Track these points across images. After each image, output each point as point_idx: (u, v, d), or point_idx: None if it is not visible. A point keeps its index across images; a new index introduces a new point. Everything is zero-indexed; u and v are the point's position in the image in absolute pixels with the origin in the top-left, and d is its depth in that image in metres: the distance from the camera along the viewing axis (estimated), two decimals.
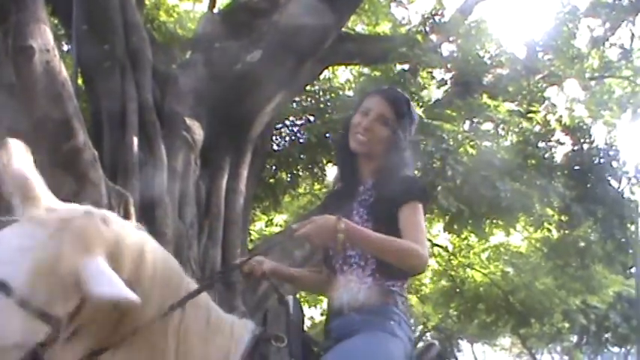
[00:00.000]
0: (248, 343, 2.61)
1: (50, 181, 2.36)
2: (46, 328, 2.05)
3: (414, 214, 2.80)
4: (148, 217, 6.55)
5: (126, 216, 5.71)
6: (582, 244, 10.86)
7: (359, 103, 3.10)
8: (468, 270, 15.80)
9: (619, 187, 10.49)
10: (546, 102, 10.49)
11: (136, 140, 7.05)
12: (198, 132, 7.63)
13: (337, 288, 2.95)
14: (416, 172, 3.23)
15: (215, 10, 9.98)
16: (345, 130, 3.07)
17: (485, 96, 9.71)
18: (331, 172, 10.75)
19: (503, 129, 9.84)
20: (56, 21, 8.23)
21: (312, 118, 10.55)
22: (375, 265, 2.84)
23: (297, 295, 3.46)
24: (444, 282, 16.56)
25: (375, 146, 2.98)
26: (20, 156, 2.29)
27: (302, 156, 10.32)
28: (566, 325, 16.88)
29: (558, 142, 10.34)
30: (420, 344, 3.02)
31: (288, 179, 10.81)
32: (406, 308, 2.88)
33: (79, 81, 7.44)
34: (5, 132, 5.33)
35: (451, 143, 8.55)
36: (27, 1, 5.42)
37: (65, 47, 9.22)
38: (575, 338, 20.86)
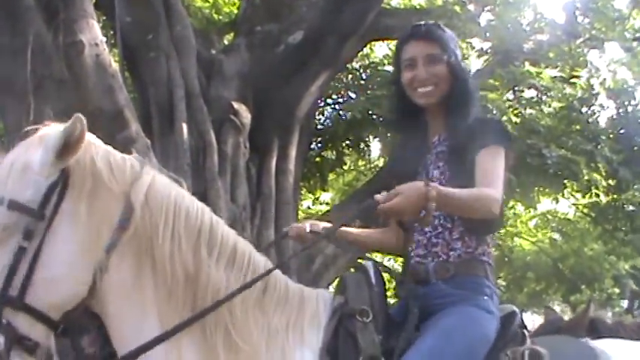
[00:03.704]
0: (329, 320, 2.47)
1: None
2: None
3: (492, 159, 2.62)
4: (201, 201, 6.64)
5: None
6: (631, 207, 10.77)
7: (396, 60, 2.93)
8: (515, 239, 15.74)
9: None
10: (589, 66, 10.37)
11: (185, 126, 7.16)
12: (245, 115, 7.72)
13: (418, 250, 2.77)
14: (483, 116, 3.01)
15: None
16: (400, 93, 2.88)
17: (526, 63, 9.64)
18: (376, 147, 10.79)
19: (546, 95, 9.76)
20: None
21: (353, 95, 10.57)
22: (462, 227, 2.68)
23: None
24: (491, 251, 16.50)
25: (441, 88, 2.79)
26: None
27: (346, 133, 10.35)
28: (617, 290, 16.76)
29: (601, 106, 10.23)
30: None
31: (334, 157, 10.85)
32: (494, 278, 2.73)
33: (126, 72, 7.57)
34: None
35: (495, 113, 8.52)
36: None
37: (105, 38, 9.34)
38: (626, 303, 20.70)
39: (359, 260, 2.82)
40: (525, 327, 2.75)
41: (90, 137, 2.40)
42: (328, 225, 2.97)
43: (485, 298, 2.62)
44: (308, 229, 2.94)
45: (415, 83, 2.79)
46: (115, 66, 5.98)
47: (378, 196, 2.38)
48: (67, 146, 2.27)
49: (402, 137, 3.13)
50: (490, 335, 2.57)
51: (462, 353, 2.45)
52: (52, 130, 2.33)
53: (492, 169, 2.59)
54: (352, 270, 2.73)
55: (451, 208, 2.55)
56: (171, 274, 2.32)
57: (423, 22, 2.95)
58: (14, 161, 2.32)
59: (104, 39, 6.21)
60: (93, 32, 5.75)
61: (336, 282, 2.67)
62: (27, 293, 2.23)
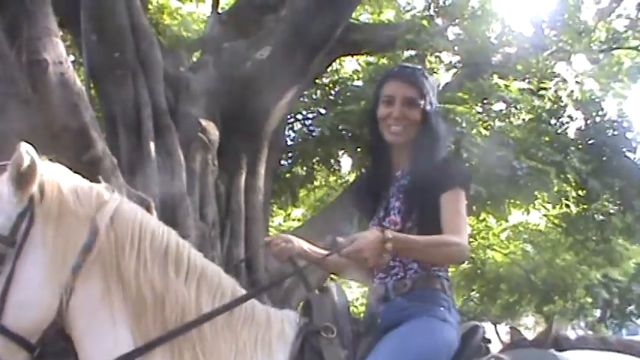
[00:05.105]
0: (295, 337, 2.56)
1: None
2: None
3: (455, 201, 2.77)
4: (170, 220, 6.59)
5: None
6: (601, 217, 10.81)
7: (376, 92, 3.06)
8: (488, 251, 15.79)
9: (634, 158, 10.42)
10: (556, 78, 10.44)
11: (152, 145, 7.09)
12: (213, 132, 7.67)
13: (377, 272, 2.92)
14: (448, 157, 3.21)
15: (219, 11, 9.99)
16: (373, 124, 3.03)
17: (495, 76, 9.69)
18: (346, 163, 10.77)
19: (515, 108, 9.81)
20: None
21: (323, 111, 10.56)
22: None
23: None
24: (464, 265, 16.53)
25: (411, 131, 2.94)
26: None
27: (317, 149, 10.33)
28: (589, 300, 16.85)
29: (570, 117, 10.30)
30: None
31: (304, 173, 10.82)
32: (452, 293, 2.85)
33: (92, 90, 7.49)
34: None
35: (464, 126, 8.54)
36: (38, 15, 5.44)
37: (72, 57, 9.26)
38: (598, 313, 20.81)
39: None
40: (489, 341, 2.87)
41: (57, 167, 2.57)
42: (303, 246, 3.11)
43: (442, 309, 2.75)
44: (287, 255, 3.07)
45: (389, 120, 2.94)
46: (80, 84, 5.89)
47: (340, 240, 2.55)
48: (22, 175, 2.41)
49: (368, 166, 3.30)
50: (450, 342, 2.70)
51: (421, 357, 2.57)
52: None
53: (457, 212, 2.76)
54: (316, 292, 2.83)
55: (411, 253, 2.71)
56: (137, 292, 2.43)
57: (411, 65, 3.19)
58: None
59: (70, 57, 6.12)
60: (57, 50, 5.65)
61: (301, 304, 2.73)
62: (2, 316, 2.36)
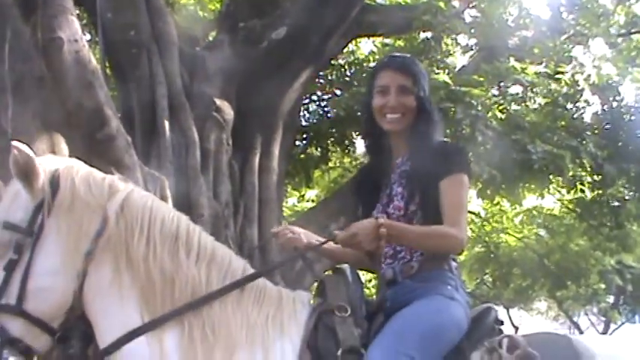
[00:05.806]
0: (309, 316, 2.63)
1: None
2: None
3: (457, 188, 2.84)
4: (184, 199, 6.62)
5: (162, 199, 5.77)
6: (616, 203, 10.75)
7: (370, 84, 3.15)
8: (501, 235, 15.77)
9: None
10: (573, 62, 10.34)
11: (167, 124, 7.11)
12: (228, 112, 7.68)
13: (385, 259, 2.98)
14: (446, 139, 3.30)
15: None
16: (369, 115, 3.12)
17: (511, 59, 9.62)
18: (361, 144, 10.73)
19: (531, 91, 9.74)
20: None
21: (338, 92, 10.53)
22: None
23: None
24: (478, 248, 16.53)
25: (408, 118, 3.03)
26: None
27: (331, 130, 10.33)
28: (602, 285, 16.79)
29: (586, 102, 10.22)
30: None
31: (319, 154, 10.83)
32: (459, 272, 2.90)
33: (107, 68, 7.49)
34: (40, 124, 5.40)
35: (480, 109, 8.49)
36: None
37: (87, 35, 9.25)
38: (611, 299, 20.73)
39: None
40: (502, 322, 2.91)
41: (74, 161, 2.79)
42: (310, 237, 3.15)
43: (449, 287, 2.81)
44: (293, 245, 3.12)
45: (385, 109, 3.03)
46: (96, 63, 5.89)
47: (337, 233, 2.71)
48: (23, 171, 2.58)
49: (369, 157, 3.34)
50: (458, 319, 2.74)
51: (426, 334, 2.63)
52: None
53: (457, 201, 2.83)
54: (330, 272, 2.89)
55: (405, 241, 2.80)
56: (146, 274, 2.55)
57: (400, 55, 3.27)
58: (11, 190, 2.69)
59: (86, 36, 6.11)
60: (72, 28, 5.65)
61: (315, 285, 2.78)
62: (24, 301, 2.55)
